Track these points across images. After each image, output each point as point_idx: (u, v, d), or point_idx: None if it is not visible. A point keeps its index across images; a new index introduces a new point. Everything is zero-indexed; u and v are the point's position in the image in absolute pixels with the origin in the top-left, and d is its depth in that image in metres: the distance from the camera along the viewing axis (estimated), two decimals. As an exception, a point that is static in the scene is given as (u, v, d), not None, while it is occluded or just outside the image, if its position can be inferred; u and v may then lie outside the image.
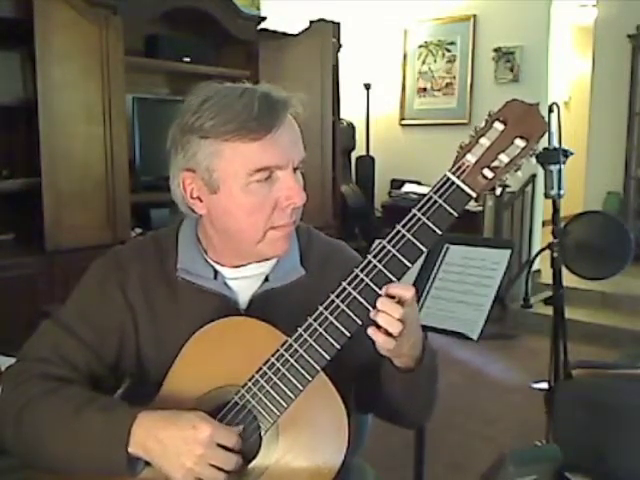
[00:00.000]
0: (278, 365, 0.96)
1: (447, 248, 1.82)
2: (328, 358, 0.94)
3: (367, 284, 0.94)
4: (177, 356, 1.01)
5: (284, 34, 4.20)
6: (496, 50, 4.98)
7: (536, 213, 5.04)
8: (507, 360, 3.97)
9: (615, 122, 5.18)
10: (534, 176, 4.79)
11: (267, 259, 1.08)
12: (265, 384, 0.96)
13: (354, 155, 5.37)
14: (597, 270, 2.37)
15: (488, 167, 0.93)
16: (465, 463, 2.74)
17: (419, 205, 0.93)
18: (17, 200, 3.18)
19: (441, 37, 5.29)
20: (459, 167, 0.93)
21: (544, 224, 4.89)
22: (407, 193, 5.03)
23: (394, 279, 0.93)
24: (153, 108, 3.51)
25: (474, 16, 5.09)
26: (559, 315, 2.25)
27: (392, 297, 0.93)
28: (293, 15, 4.59)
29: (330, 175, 4.48)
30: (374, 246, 0.95)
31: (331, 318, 0.94)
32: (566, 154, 2.13)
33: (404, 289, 0.93)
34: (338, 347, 0.94)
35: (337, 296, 0.94)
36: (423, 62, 5.42)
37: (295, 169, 1.02)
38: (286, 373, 0.95)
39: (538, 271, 4.80)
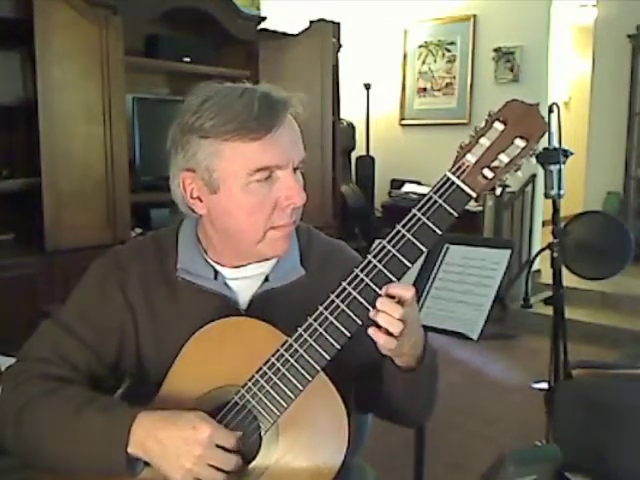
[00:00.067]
0: (278, 365, 0.96)
1: (447, 248, 1.82)
2: (328, 358, 0.94)
3: (367, 284, 0.94)
4: (177, 356, 1.01)
5: (284, 34, 4.20)
6: (496, 50, 4.99)
7: (536, 213, 5.04)
8: (507, 360, 3.97)
9: (615, 122, 5.18)
10: (534, 176, 4.79)
11: (267, 259, 1.08)
12: (265, 384, 0.96)
13: (354, 155, 5.37)
14: (597, 270, 2.37)
15: (488, 167, 0.93)
16: (465, 463, 2.74)
17: (419, 205, 0.93)
18: (17, 200, 3.18)
19: (441, 37, 5.29)
20: (459, 167, 0.93)
21: (544, 224, 4.89)
22: (407, 193, 5.03)
23: (394, 279, 0.93)
24: (153, 108, 3.51)
25: (474, 16, 5.09)
26: (559, 315, 2.24)
27: (392, 297, 0.93)
28: (293, 15, 4.59)
29: (330, 175, 4.48)
30: (374, 246, 0.95)
31: (331, 318, 0.94)
32: (566, 154, 2.13)
33: (404, 289, 0.93)
34: (338, 347, 0.94)
35: (337, 296, 0.94)
36: (423, 62, 5.42)
37: (295, 169, 1.02)
38: (286, 373, 0.95)
39: (538, 271, 4.80)
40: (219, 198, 1.01)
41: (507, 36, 4.93)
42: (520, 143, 0.92)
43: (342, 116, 4.78)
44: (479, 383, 3.63)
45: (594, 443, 1.63)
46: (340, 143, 4.66)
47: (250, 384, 0.97)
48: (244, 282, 1.09)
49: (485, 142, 0.93)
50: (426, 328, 1.05)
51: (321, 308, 0.95)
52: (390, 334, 0.93)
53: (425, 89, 5.43)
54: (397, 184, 5.30)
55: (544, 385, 2.28)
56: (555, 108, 2.09)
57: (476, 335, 1.69)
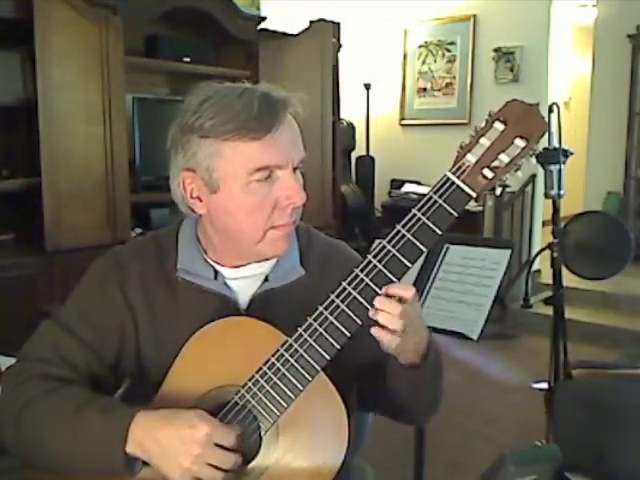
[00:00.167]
0: (278, 365, 0.96)
1: (447, 248, 1.82)
2: (328, 358, 0.94)
3: (367, 284, 0.94)
4: (177, 356, 1.01)
5: (284, 34, 4.20)
6: (496, 50, 4.99)
7: (536, 213, 5.04)
8: (507, 360, 3.96)
9: (615, 122, 5.18)
10: (534, 176, 4.79)
11: (267, 259, 1.08)
12: (265, 384, 0.96)
13: (354, 155, 5.37)
14: (597, 270, 2.37)
15: (488, 167, 0.93)
16: (465, 463, 2.74)
17: (419, 205, 0.93)
18: (17, 200, 3.18)
19: (441, 37, 5.29)
20: (459, 167, 0.93)
21: (544, 224, 4.89)
22: (407, 193, 5.03)
23: (394, 279, 0.93)
24: (153, 108, 3.51)
25: (474, 16, 5.09)
26: (559, 315, 2.24)
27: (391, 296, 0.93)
28: (293, 15, 4.59)
29: (330, 175, 4.48)
30: (374, 246, 0.95)
31: (331, 318, 0.94)
32: (566, 154, 2.13)
33: (404, 289, 0.93)
34: (338, 347, 0.94)
35: (337, 296, 0.94)
36: (423, 62, 5.42)
37: (295, 169, 1.02)
38: (286, 373, 0.95)
39: (538, 271, 4.80)
40: (219, 198, 1.01)
41: (507, 36, 4.93)
42: (520, 143, 0.92)
43: (342, 116, 4.78)
44: (479, 383, 3.63)
45: (594, 443, 1.63)
46: (340, 143, 4.66)
47: (250, 384, 0.97)
48: (244, 282, 1.09)
49: (485, 142, 0.93)
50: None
51: (321, 308, 0.95)
52: (392, 332, 0.93)
53: (425, 89, 5.43)
54: (397, 184, 5.30)
55: (544, 385, 2.28)
56: (555, 108, 2.09)
57: (476, 335, 1.69)
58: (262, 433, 0.96)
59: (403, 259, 0.93)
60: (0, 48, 3.12)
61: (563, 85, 6.98)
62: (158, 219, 3.47)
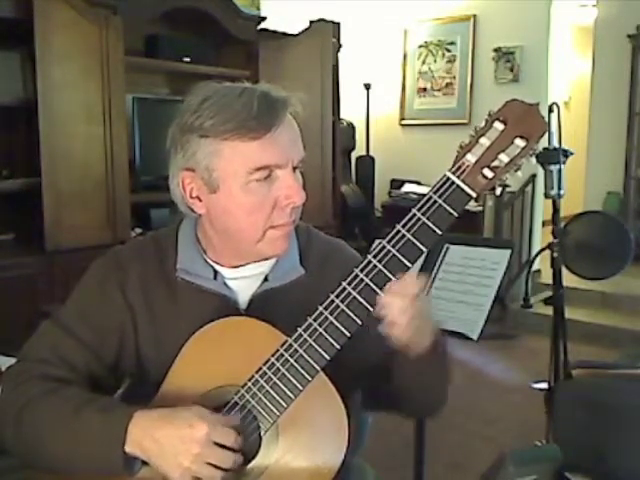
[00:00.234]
0: (278, 365, 0.96)
1: (447, 248, 1.82)
2: (328, 358, 0.94)
3: (367, 284, 0.94)
4: (177, 356, 1.01)
5: (284, 34, 4.20)
6: (496, 50, 4.99)
7: (536, 213, 5.04)
8: (507, 360, 3.96)
9: (615, 122, 5.18)
10: (534, 176, 4.79)
11: (266, 259, 1.08)
12: (265, 384, 0.96)
13: (354, 155, 5.37)
14: (597, 270, 2.37)
15: (488, 167, 0.92)
16: (465, 463, 2.74)
17: (419, 205, 0.93)
18: (17, 200, 3.18)
19: (441, 37, 5.29)
20: (459, 167, 0.93)
21: (544, 224, 4.89)
22: (407, 193, 5.03)
23: (394, 279, 0.93)
24: (153, 108, 3.51)
25: (474, 16, 5.09)
26: (559, 315, 2.24)
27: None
28: (293, 15, 4.59)
29: (330, 175, 4.48)
30: (374, 246, 0.95)
31: (331, 318, 0.94)
32: (566, 154, 2.13)
33: (410, 285, 0.93)
34: (338, 347, 0.94)
35: (337, 296, 0.94)
36: (423, 62, 5.42)
37: (294, 168, 1.02)
38: (286, 373, 0.95)
39: (538, 271, 4.80)
40: (218, 197, 1.01)
41: (507, 36, 4.93)
42: (520, 143, 0.92)
43: (342, 116, 4.78)
44: (479, 383, 3.63)
45: (594, 443, 1.63)
46: (340, 143, 4.66)
47: (250, 384, 0.97)
48: (243, 282, 1.09)
49: (485, 142, 0.93)
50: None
51: (321, 308, 0.95)
52: (401, 326, 0.93)
53: (425, 89, 5.43)
54: (397, 184, 5.30)
55: (544, 385, 2.28)
56: (555, 108, 2.10)
57: (476, 335, 1.69)
58: (262, 433, 0.96)
59: (403, 259, 0.93)
60: (0, 48, 3.12)
61: (563, 85, 6.98)
62: (158, 219, 3.47)
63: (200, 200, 1.04)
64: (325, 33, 4.35)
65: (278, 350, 0.96)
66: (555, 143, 2.13)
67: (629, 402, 1.67)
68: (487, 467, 1.49)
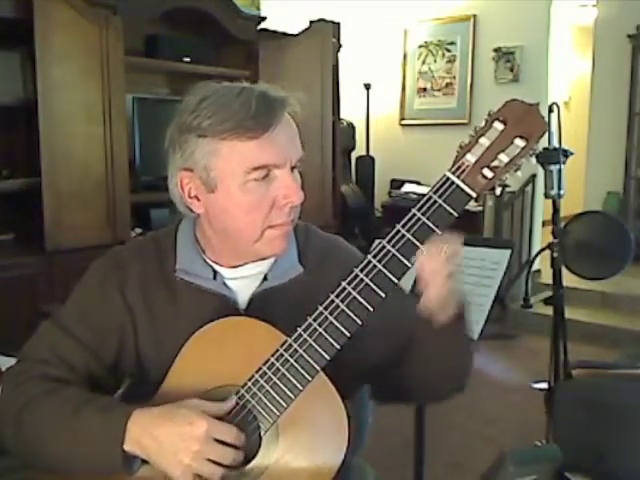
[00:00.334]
0: (278, 365, 0.96)
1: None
2: (328, 358, 0.94)
3: (367, 284, 0.94)
4: (177, 356, 1.01)
5: (284, 34, 4.20)
6: (496, 50, 4.99)
7: (536, 213, 5.04)
8: (507, 360, 3.96)
9: (615, 122, 5.18)
10: (534, 176, 4.79)
11: (265, 258, 1.08)
12: (265, 384, 0.96)
13: (354, 155, 5.37)
14: (597, 270, 2.37)
15: (488, 167, 0.92)
16: (465, 463, 2.74)
17: (419, 205, 0.93)
18: (17, 200, 3.18)
19: (441, 37, 5.29)
20: (459, 167, 0.93)
21: (544, 224, 4.89)
22: (407, 193, 5.03)
23: (394, 279, 0.93)
24: (153, 108, 3.51)
25: (474, 16, 5.09)
26: (559, 315, 2.25)
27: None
28: (293, 15, 4.59)
29: (330, 175, 4.48)
30: (374, 246, 0.95)
31: (331, 318, 0.94)
32: (566, 154, 2.13)
33: (452, 239, 0.94)
34: (338, 347, 0.94)
35: (337, 296, 0.94)
36: (423, 62, 5.42)
37: (293, 168, 1.02)
38: (286, 373, 0.95)
39: (538, 271, 4.80)
40: (217, 197, 1.01)
41: (507, 36, 4.93)
42: (520, 143, 0.92)
43: (342, 116, 4.78)
44: (479, 383, 3.62)
45: (594, 443, 1.63)
46: (340, 143, 4.66)
47: (250, 384, 0.97)
48: (243, 282, 1.09)
49: (485, 142, 0.93)
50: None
51: (321, 308, 0.95)
52: (443, 278, 0.94)
53: (425, 89, 5.43)
54: (397, 184, 5.30)
55: (544, 385, 2.28)
56: (555, 108, 2.10)
57: (476, 335, 1.69)
58: (262, 433, 0.96)
59: (403, 259, 0.93)
60: (0, 48, 3.12)
61: (563, 85, 6.98)
62: (158, 219, 3.47)
63: (198, 200, 1.03)
64: (325, 33, 4.35)
65: (278, 350, 0.96)
66: (555, 143, 2.13)
67: (629, 402, 1.67)
68: (487, 467, 1.49)
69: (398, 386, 1.12)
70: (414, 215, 0.93)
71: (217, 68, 3.78)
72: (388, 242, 0.94)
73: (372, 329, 0.96)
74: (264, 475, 0.96)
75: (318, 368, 0.94)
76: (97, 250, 1.19)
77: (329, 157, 4.46)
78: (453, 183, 0.93)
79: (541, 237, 5.05)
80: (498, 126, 0.92)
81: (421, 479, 1.96)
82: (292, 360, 0.95)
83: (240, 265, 1.09)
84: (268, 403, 0.96)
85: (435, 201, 0.93)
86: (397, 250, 0.93)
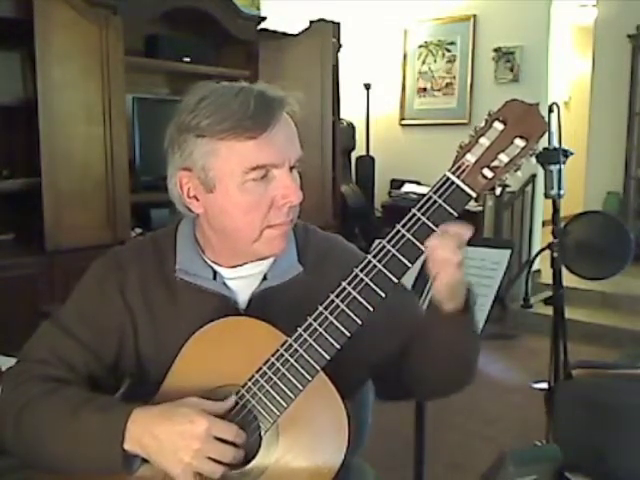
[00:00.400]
0: (278, 365, 0.96)
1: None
2: (328, 358, 0.94)
3: (367, 284, 0.94)
4: (177, 356, 1.01)
5: (284, 34, 4.20)
6: (496, 50, 4.98)
7: (536, 213, 5.04)
8: (507, 360, 3.96)
9: (615, 122, 5.18)
10: (534, 176, 4.79)
11: (264, 258, 1.08)
12: (265, 384, 0.96)
13: (354, 155, 5.37)
14: (597, 270, 2.37)
15: (488, 167, 0.92)
16: (465, 463, 2.74)
17: (419, 205, 0.93)
18: (17, 200, 3.18)
19: (441, 37, 5.29)
20: (459, 167, 0.93)
21: (544, 224, 4.89)
22: (407, 193, 5.03)
23: (394, 279, 0.93)
24: (153, 108, 3.51)
25: (474, 16, 5.09)
26: (559, 315, 2.24)
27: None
28: (293, 15, 4.58)
29: (330, 175, 4.48)
30: (374, 246, 0.95)
31: (331, 318, 0.94)
32: (566, 154, 2.13)
33: (463, 229, 0.93)
34: (338, 347, 0.94)
35: (337, 296, 0.94)
36: (423, 62, 5.42)
37: (292, 168, 1.02)
38: (286, 373, 0.95)
39: (538, 271, 4.80)
40: (215, 197, 1.01)
41: (507, 36, 4.93)
42: (520, 143, 0.92)
43: (342, 116, 4.78)
44: (479, 383, 3.59)
45: (594, 443, 1.63)
46: (340, 143, 4.66)
47: (250, 384, 0.97)
48: (242, 281, 1.09)
49: (485, 142, 0.93)
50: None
51: (321, 308, 0.95)
52: (454, 264, 0.94)
53: (425, 89, 5.43)
54: (397, 184, 5.29)
55: (544, 385, 2.28)
56: (555, 108, 2.09)
57: (476, 335, 1.68)
58: (262, 433, 0.96)
59: (403, 259, 0.93)
60: (0, 48, 3.12)
61: (563, 85, 6.98)
62: (158, 219, 3.47)
63: (197, 200, 1.03)
64: (325, 33, 4.35)
65: (278, 350, 0.96)
66: (555, 143, 2.13)
67: (629, 402, 1.67)
68: (487, 467, 1.49)
69: (401, 383, 1.12)
70: (414, 215, 0.93)
71: (217, 68, 3.78)
72: (388, 242, 0.94)
73: (372, 328, 0.96)
74: (264, 475, 0.96)
75: (318, 368, 0.94)
76: (97, 250, 1.19)
77: (329, 157, 4.46)
78: (453, 183, 0.93)
79: (541, 237, 5.05)
80: (498, 126, 0.92)
81: (421, 479, 1.96)
82: (292, 360, 0.95)
83: (240, 265, 1.09)
84: (268, 403, 0.96)
85: (435, 201, 0.93)
86: (397, 250, 0.93)
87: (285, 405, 0.95)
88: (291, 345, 0.95)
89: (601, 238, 2.35)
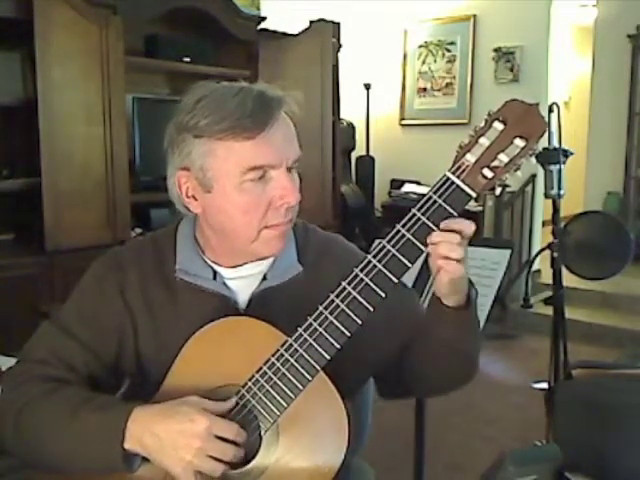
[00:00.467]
0: (278, 365, 0.96)
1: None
2: (328, 358, 0.94)
3: (367, 284, 0.94)
4: (177, 356, 1.01)
5: (284, 34, 4.19)
6: (496, 50, 4.98)
7: (536, 213, 5.04)
8: (507, 360, 3.96)
9: (615, 122, 5.18)
10: (534, 176, 4.79)
11: (263, 258, 1.08)
12: (265, 384, 0.96)
13: (354, 155, 5.37)
14: (597, 270, 2.37)
15: (488, 167, 0.92)
16: (465, 463, 2.74)
17: (419, 205, 0.93)
18: (17, 200, 3.17)
19: (441, 37, 5.29)
20: (459, 167, 0.93)
21: (544, 224, 4.89)
22: (407, 193, 5.03)
23: (394, 279, 0.93)
24: (153, 108, 3.51)
25: (474, 16, 5.09)
26: (559, 315, 2.24)
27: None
28: (293, 15, 4.58)
29: (330, 175, 4.48)
30: (374, 246, 0.95)
31: (331, 318, 0.94)
32: (566, 154, 2.13)
33: (465, 225, 0.93)
34: (338, 347, 0.94)
35: (337, 296, 0.94)
36: (423, 62, 5.42)
37: (290, 168, 1.01)
38: (286, 373, 0.95)
39: (538, 271, 4.80)
40: (213, 197, 1.01)
41: (507, 36, 4.93)
42: (520, 143, 0.92)
43: (342, 116, 4.77)
44: (479, 383, 3.61)
45: (594, 443, 1.63)
46: (340, 143, 4.66)
47: (250, 384, 0.97)
48: (242, 281, 1.09)
49: (485, 142, 0.93)
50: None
51: (321, 308, 0.95)
52: (456, 261, 0.93)
53: (425, 89, 5.43)
54: (397, 184, 5.29)
55: (544, 385, 2.28)
56: (555, 108, 2.09)
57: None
58: (262, 433, 0.97)
59: (403, 259, 0.93)
60: (0, 48, 3.11)
61: (563, 85, 6.98)
62: (158, 219, 3.47)
63: (196, 199, 1.04)
64: (325, 33, 4.35)
65: (278, 350, 0.96)
66: (555, 143, 2.13)
67: (629, 402, 1.67)
68: (487, 467, 1.49)
69: (402, 381, 1.12)
70: (414, 215, 0.93)
71: (217, 68, 3.77)
72: (388, 242, 0.94)
73: (372, 328, 0.96)
74: (264, 475, 0.96)
75: (318, 368, 0.94)
76: (97, 250, 1.19)
77: (329, 157, 4.46)
78: (453, 183, 0.93)
79: (541, 237, 5.05)
80: (498, 126, 0.92)
81: (421, 479, 1.96)
82: (292, 360, 0.95)
83: (239, 265, 1.09)
84: (268, 403, 0.96)
85: (435, 201, 0.93)
86: (397, 250, 0.93)
87: (285, 405, 0.95)
88: (291, 345, 0.96)
89: (601, 238, 2.34)
